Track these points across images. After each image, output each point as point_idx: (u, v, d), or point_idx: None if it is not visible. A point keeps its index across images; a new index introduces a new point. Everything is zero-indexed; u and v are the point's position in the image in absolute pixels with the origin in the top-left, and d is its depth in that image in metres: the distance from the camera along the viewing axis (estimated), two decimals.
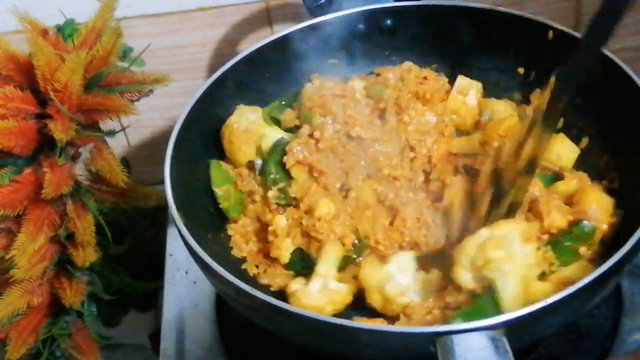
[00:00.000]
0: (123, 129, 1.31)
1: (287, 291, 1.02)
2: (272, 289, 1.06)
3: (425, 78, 1.15)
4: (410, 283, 0.98)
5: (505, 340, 0.79)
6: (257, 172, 1.12)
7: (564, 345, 1.05)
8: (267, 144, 1.13)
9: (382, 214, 1.06)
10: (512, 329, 0.80)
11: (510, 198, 0.99)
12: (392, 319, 0.98)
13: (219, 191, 1.11)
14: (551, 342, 1.05)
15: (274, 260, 1.07)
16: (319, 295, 0.99)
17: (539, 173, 1.05)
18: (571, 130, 1.15)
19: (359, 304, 1.01)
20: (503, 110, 1.14)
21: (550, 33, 1.14)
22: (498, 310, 0.89)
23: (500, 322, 0.80)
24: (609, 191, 1.05)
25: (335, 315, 0.98)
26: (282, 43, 1.20)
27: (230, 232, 1.10)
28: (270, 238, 1.06)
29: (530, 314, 0.81)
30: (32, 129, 1.13)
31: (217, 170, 1.13)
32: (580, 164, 1.11)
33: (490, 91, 1.22)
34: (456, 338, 0.79)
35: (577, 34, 1.12)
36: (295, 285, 1.02)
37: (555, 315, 0.84)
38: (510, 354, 0.78)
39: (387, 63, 1.26)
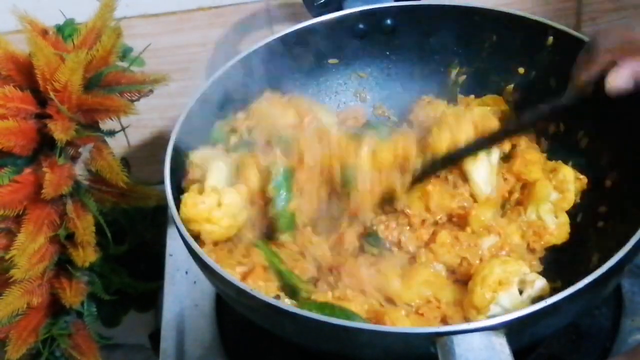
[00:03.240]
0: (123, 129, 1.31)
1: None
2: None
3: None
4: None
5: (505, 340, 0.79)
6: None
7: (564, 345, 1.05)
8: None
9: None
10: (512, 329, 0.80)
11: None
12: None
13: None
14: (551, 342, 1.05)
15: None
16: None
17: None
18: (571, 130, 1.15)
19: None
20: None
21: (550, 33, 1.14)
22: None
23: (501, 323, 0.80)
24: (610, 191, 1.05)
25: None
26: (282, 43, 1.20)
27: None
28: None
29: (530, 314, 0.81)
30: (31, 128, 1.13)
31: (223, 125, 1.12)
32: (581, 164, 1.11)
33: (490, 91, 1.23)
34: (456, 338, 0.79)
35: (577, 34, 1.12)
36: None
37: (556, 316, 0.84)
38: (511, 354, 0.78)
39: (387, 63, 1.27)
